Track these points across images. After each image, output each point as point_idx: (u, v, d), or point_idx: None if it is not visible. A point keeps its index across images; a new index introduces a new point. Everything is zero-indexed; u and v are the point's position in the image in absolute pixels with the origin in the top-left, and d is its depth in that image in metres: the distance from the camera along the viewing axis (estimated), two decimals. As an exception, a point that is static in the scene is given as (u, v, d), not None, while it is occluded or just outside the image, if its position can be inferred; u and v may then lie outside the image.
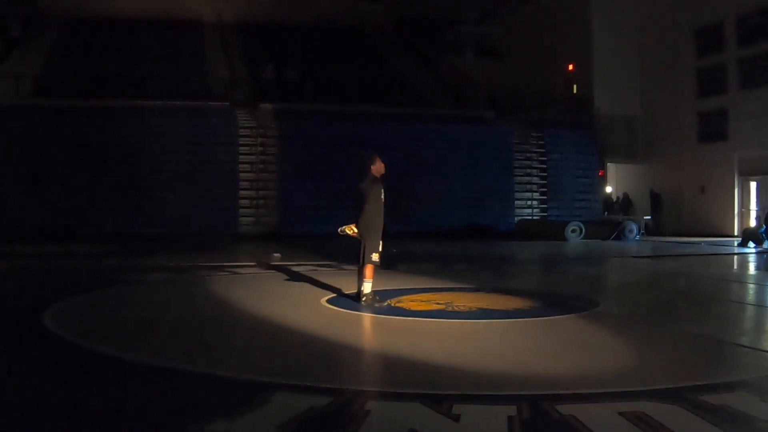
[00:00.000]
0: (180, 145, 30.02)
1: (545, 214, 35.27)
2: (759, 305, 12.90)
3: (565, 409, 5.59)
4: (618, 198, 38.98)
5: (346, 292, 12.14)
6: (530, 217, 34.88)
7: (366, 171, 11.04)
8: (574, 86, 39.27)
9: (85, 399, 6.02)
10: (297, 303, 11.64)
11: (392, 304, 11.07)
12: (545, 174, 35.37)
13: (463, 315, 10.45)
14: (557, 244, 28.21)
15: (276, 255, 19.51)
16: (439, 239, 28.93)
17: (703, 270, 18.99)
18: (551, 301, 12.27)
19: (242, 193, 31.07)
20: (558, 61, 39.35)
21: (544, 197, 35.38)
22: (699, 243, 28.33)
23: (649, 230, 33.42)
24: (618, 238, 30.33)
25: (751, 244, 26.19)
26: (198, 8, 42.90)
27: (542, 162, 35.39)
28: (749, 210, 33.79)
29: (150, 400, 6.03)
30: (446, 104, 37.92)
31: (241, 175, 31.12)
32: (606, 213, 36.78)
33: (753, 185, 34.13)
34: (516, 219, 34.27)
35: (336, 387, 6.40)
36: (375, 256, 10.83)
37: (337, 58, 39.21)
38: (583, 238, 30.14)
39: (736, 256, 23.86)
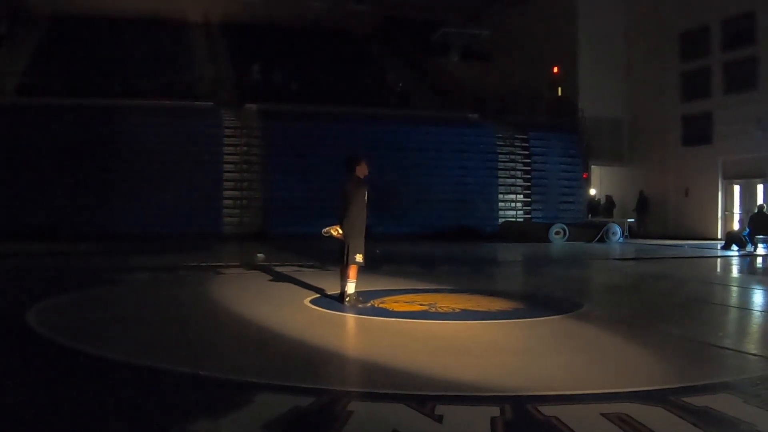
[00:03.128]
0: (165, 145, 29.90)
1: (529, 215, 35.34)
2: (742, 308, 12.94)
3: (548, 410, 5.59)
4: (600, 200, 39.13)
5: (330, 293, 12.10)
6: (514, 219, 34.94)
7: (350, 172, 11.04)
8: (559, 89, 39.36)
9: (68, 398, 5.98)
10: (280, 303, 11.61)
11: (375, 305, 11.07)
12: (530, 176, 35.47)
13: (446, 316, 10.43)
14: (541, 246, 28.24)
15: (260, 255, 19.46)
16: (424, 240, 28.94)
17: (686, 273, 19.06)
18: (535, 303, 12.30)
19: (226, 193, 31.03)
20: (543, 63, 39.43)
21: (529, 199, 35.49)
22: (682, 246, 28.44)
23: (633, 233, 33.52)
24: (602, 240, 30.40)
25: (735, 248, 26.30)
26: (184, 8, 42.80)
27: (527, 164, 35.49)
28: (733, 213, 33.94)
29: (133, 400, 5.99)
30: (432, 106, 37.96)
31: (226, 175, 31.08)
32: (590, 215, 36.87)
33: (736, 189, 34.32)
34: (500, 221, 34.31)
35: (319, 387, 6.38)
36: (358, 257, 10.82)
37: (322, 59, 39.24)
38: (567, 240, 30.19)
39: (719, 259, 23.95)
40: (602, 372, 7.29)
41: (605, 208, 38.02)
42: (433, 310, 10.84)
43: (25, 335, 8.67)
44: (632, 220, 34.99)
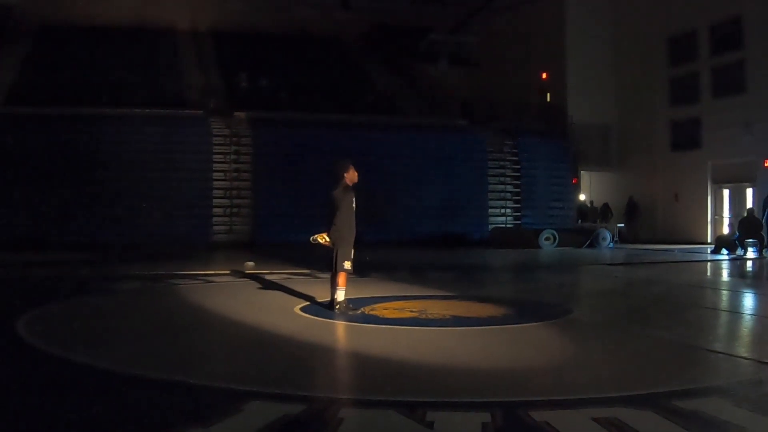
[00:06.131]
0: (154, 153, 29.79)
1: (519, 222, 35.30)
2: (732, 311, 12.97)
3: (539, 415, 5.58)
4: (591, 205, 39.09)
5: (320, 300, 12.06)
6: (504, 225, 34.89)
7: (339, 179, 11.01)
8: (548, 95, 39.40)
9: (58, 408, 5.95)
10: (271, 311, 11.58)
11: (365, 312, 11.05)
12: (519, 182, 35.40)
13: (436, 323, 10.43)
14: (531, 252, 28.23)
15: (249, 263, 19.40)
16: (413, 247, 28.88)
17: (676, 277, 19.08)
18: (525, 309, 12.29)
19: (216, 201, 30.86)
20: (532, 69, 39.48)
21: (518, 205, 35.40)
22: (672, 250, 28.48)
23: (622, 238, 33.54)
24: (592, 245, 30.41)
25: (725, 252, 26.36)
26: (172, 16, 42.70)
27: (516, 170, 35.42)
28: (722, 217, 33.98)
29: (123, 409, 5.97)
30: (420, 113, 37.92)
31: (215, 183, 30.93)
32: (580, 221, 36.87)
33: (726, 193, 34.34)
34: (490, 227, 34.27)
35: (310, 395, 6.38)
36: (347, 264, 10.79)
37: (311, 66, 39.17)
38: (556, 246, 30.19)
39: (709, 264, 24.00)
40: (593, 377, 7.29)
41: (602, 215, 37.86)
42: (424, 316, 10.82)
43: (15, 345, 8.62)
44: (622, 225, 35.00)
